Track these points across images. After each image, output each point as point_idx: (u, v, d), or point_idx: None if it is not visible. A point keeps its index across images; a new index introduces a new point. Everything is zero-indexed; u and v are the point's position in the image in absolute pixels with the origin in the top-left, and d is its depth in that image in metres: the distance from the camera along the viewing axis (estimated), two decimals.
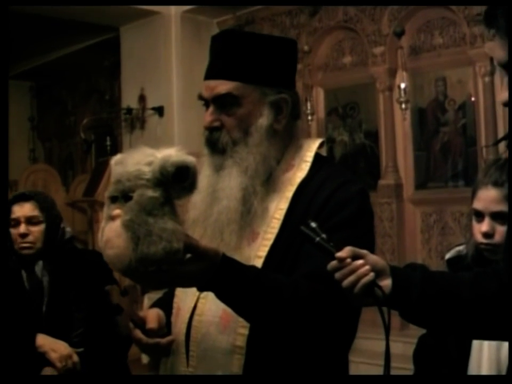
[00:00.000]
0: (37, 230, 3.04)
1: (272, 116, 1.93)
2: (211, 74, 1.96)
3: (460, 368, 2.26)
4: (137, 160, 1.57)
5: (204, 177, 1.96)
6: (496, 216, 2.22)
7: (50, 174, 8.30)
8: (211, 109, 1.93)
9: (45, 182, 8.17)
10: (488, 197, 2.24)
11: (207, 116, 1.93)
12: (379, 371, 1.64)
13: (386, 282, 1.60)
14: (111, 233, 1.55)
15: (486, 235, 2.23)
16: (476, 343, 2.25)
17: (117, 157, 1.63)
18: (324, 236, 1.60)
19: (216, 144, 1.92)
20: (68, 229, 3.18)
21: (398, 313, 1.64)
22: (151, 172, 1.54)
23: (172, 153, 1.56)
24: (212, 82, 1.94)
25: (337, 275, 1.57)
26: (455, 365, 2.29)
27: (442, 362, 2.35)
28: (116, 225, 1.54)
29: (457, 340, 2.28)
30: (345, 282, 1.56)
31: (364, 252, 1.60)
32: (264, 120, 1.92)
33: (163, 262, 1.52)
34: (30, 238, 3.03)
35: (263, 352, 1.81)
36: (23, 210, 3.05)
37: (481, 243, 2.25)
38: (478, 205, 2.27)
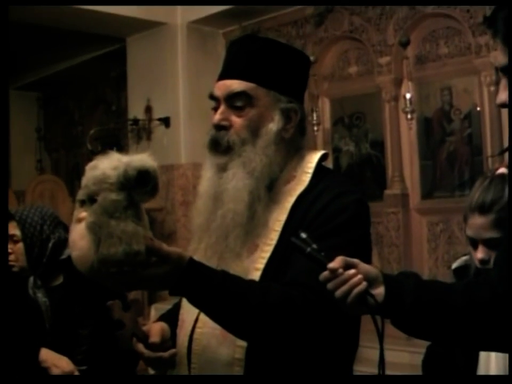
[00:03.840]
0: (17, 248, 3.12)
1: (281, 123, 1.94)
2: (227, 74, 1.97)
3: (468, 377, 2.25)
4: (106, 165, 1.62)
5: (205, 180, 1.97)
6: (489, 243, 2.18)
7: (57, 185, 8.30)
8: (222, 107, 1.93)
9: (52, 193, 8.17)
10: (477, 225, 2.20)
11: (217, 114, 1.93)
12: None
13: (379, 291, 1.59)
14: (76, 235, 1.60)
15: (483, 261, 2.21)
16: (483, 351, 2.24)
17: (92, 163, 1.68)
18: (314, 246, 1.60)
19: (221, 143, 1.91)
20: None
21: (390, 321, 1.63)
22: (115, 176, 1.58)
23: (135, 158, 1.60)
24: (227, 82, 1.95)
25: (330, 285, 1.57)
26: (464, 374, 2.28)
27: (451, 371, 2.34)
28: (81, 227, 1.59)
29: (465, 348, 2.27)
30: (338, 293, 1.56)
31: (356, 261, 1.59)
32: (274, 125, 1.92)
33: (124, 264, 1.55)
34: (12, 257, 3.12)
35: (262, 364, 1.81)
36: (9, 228, 3.13)
37: (480, 268, 2.23)
38: (469, 232, 2.24)
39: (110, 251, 1.53)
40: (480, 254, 2.20)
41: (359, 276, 1.56)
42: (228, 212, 1.87)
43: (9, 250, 3.11)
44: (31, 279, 3.11)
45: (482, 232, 2.19)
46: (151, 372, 5.00)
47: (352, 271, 1.57)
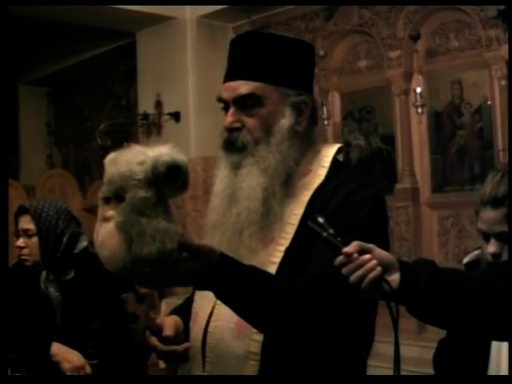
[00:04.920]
0: (32, 242, 3.11)
1: (293, 117, 1.91)
2: (232, 75, 1.95)
3: (480, 371, 2.25)
4: (129, 159, 1.56)
5: (221, 179, 1.95)
6: (501, 237, 2.15)
7: (67, 179, 8.32)
8: (232, 110, 1.91)
9: (61, 187, 8.19)
10: (489, 219, 2.16)
11: (228, 117, 1.91)
12: None
13: (395, 277, 1.58)
14: (105, 235, 1.56)
15: (494, 255, 2.19)
16: (494, 345, 2.24)
17: (110, 156, 1.61)
18: (331, 231, 1.59)
19: (235, 143, 1.90)
20: (83, 237, 3.19)
21: (405, 308, 1.63)
22: (143, 172, 1.53)
23: (163, 152, 1.56)
24: (233, 83, 1.92)
25: (344, 270, 1.56)
26: (475, 368, 2.27)
27: (462, 365, 2.34)
28: (109, 226, 1.54)
29: (476, 343, 2.26)
30: (353, 277, 1.55)
31: (371, 246, 1.58)
32: (286, 121, 1.90)
33: (157, 263, 1.52)
34: (25, 251, 3.12)
35: (277, 358, 1.80)
36: (21, 223, 3.14)
37: (492, 263, 2.22)
38: (481, 225, 2.21)
39: (143, 251, 1.49)
40: (492, 247, 2.19)
41: (374, 261, 1.55)
42: (243, 210, 1.86)
43: (23, 244, 3.11)
44: (44, 273, 3.11)
45: (494, 226, 2.17)
46: (163, 365, 5.00)
47: (367, 256, 1.56)
